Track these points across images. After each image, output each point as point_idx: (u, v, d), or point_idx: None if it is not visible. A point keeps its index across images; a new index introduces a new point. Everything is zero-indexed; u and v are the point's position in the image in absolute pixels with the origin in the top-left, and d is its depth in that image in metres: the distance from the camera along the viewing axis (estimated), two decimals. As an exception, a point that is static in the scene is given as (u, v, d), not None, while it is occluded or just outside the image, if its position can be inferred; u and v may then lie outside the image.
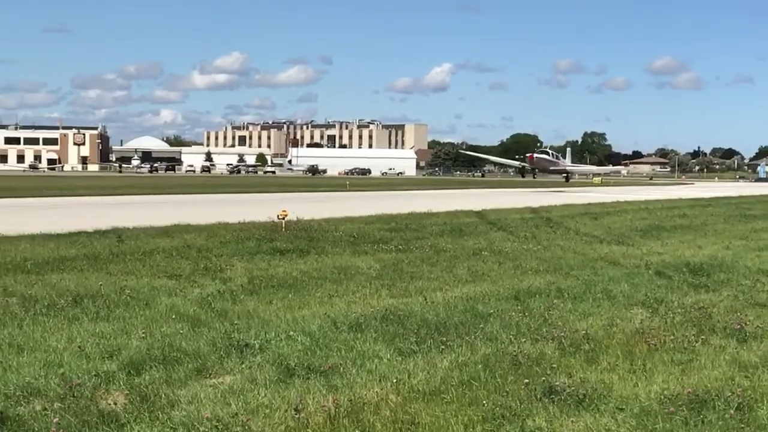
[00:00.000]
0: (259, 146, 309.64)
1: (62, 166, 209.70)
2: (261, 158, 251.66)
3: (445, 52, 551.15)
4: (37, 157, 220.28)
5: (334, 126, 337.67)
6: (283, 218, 25.43)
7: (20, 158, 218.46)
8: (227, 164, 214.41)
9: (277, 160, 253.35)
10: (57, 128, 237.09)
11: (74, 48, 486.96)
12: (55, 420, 7.19)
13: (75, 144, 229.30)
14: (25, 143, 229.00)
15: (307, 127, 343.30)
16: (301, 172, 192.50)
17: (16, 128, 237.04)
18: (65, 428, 7.11)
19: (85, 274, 15.98)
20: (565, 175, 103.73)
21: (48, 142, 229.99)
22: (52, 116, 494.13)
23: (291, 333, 10.73)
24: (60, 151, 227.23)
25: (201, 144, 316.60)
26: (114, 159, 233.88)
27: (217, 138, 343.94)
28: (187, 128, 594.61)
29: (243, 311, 12.42)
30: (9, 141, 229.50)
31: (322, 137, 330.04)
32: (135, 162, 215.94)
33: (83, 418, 7.36)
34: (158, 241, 21.70)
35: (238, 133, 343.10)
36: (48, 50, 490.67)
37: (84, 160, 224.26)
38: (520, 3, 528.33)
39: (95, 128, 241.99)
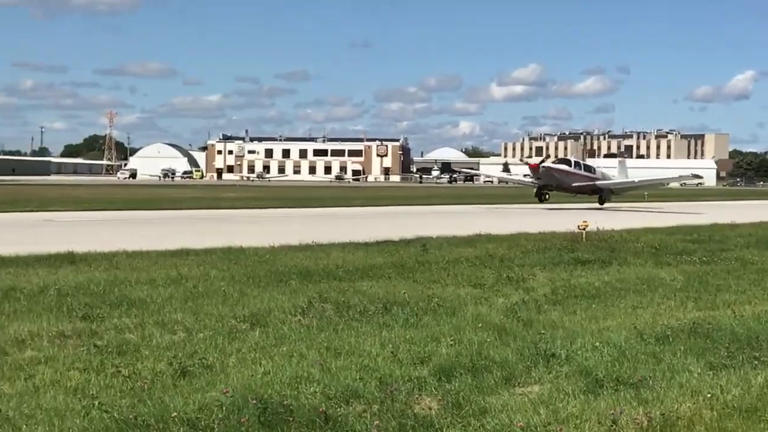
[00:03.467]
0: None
1: (366, 177, 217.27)
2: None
3: (747, 59, 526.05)
4: (343, 169, 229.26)
5: (631, 136, 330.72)
6: (584, 229, 25.26)
7: (327, 169, 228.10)
8: (524, 175, 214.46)
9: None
10: (361, 140, 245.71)
11: (377, 62, 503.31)
12: (375, 422, 7.53)
13: (378, 155, 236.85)
14: (331, 155, 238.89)
15: (604, 138, 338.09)
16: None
17: (323, 141, 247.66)
18: (385, 430, 7.44)
19: (393, 281, 16.53)
20: (599, 193, 59.05)
21: (353, 153, 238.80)
22: (356, 129, 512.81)
23: (596, 344, 10.67)
24: (364, 162, 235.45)
25: (498, 155, 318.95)
26: (415, 170, 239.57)
27: (514, 149, 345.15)
28: (485, 139, 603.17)
29: (548, 321, 12.47)
30: (317, 153, 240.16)
31: (619, 147, 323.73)
32: (435, 173, 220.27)
33: (400, 421, 7.65)
34: (461, 251, 22.10)
35: (535, 143, 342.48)
36: (353, 65, 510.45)
37: (386, 171, 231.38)
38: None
39: (397, 140, 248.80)
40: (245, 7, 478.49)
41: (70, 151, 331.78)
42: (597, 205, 57.28)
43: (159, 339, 10.96)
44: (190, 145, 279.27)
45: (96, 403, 7.93)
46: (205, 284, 15.54)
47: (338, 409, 7.96)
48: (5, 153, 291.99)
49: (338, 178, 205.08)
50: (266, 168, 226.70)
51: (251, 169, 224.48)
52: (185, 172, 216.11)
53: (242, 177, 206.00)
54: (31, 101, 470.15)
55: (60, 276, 16.25)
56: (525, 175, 66.58)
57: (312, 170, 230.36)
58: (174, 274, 16.79)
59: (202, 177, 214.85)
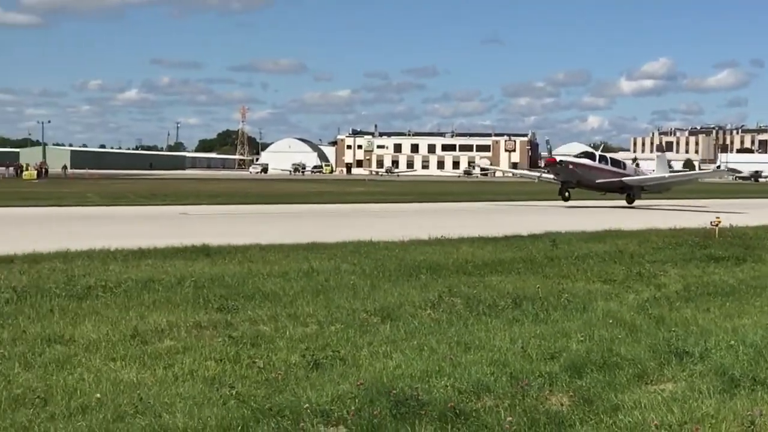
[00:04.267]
0: (686, 152, 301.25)
1: (494, 172, 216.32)
2: (688, 164, 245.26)
3: None
4: (471, 163, 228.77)
5: (765, 130, 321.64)
6: (717, 225, 24.85)
7: (455, 164, 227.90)
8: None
9: (704, 167, 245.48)
10: (489, 135, 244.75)
11: (506, 58, 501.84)
12: (508, 418, 7.52)
13: (506, 150, 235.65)
14: (459, 150, 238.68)
15: (737, 132, 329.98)
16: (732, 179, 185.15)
17: (452, 136, 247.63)
18: (517, 426, 7.43)
19: (522, 276, 16.49)
20: (628, 191, 52.80)
21: (481, 148, 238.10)
22: (484, 124, 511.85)
23: (732, 342, 10.44)
24: (492, 157, 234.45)
25: (627, 150, 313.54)
26: (543, 165, 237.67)
27: (643, 144, 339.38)
28: (613, 134, 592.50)
29: (680, 318, 12.26)
30: (445, 148, 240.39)
31: (752, 142, 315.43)
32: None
33: (532, 416, 7.62)
34: (591, 246, 21.92)
35: (665, 138, 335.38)
36: (482, 61, 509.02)
37: (514, 166, 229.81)
38: None
39: (525, 135, 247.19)
40: (373, 2, 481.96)
41: (204, 145, 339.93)
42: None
43: (292, 331, 11.16)
44: (320, 140, 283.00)
45: (233, 392, 8.14)
46: (336, 278, 15.73)
47: (469, 404, 7.98)
48: (143, 148, 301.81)
49: (466, 173, 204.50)
50: (395, 163, 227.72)
51: (380, 163, 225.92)
52: (315, 167, 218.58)
53: (371, 171, 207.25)
54: (167, 97, 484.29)
55: (196, 268, 16.68)
56: (540, 168, 62.07)
57: (440, 165, 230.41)
58: (306, 267, 17.05)
59: (331, 171, 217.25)
